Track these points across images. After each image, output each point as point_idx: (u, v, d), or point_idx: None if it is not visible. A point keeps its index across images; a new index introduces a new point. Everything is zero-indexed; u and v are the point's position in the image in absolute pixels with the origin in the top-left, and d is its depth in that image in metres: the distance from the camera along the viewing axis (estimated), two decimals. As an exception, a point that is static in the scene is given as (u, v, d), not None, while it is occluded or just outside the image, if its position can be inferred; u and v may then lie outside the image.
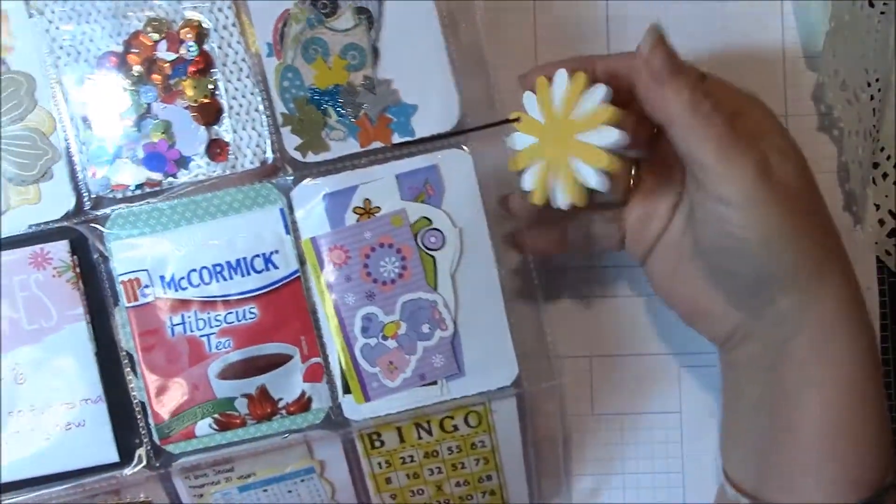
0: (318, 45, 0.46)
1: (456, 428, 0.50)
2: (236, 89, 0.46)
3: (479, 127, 0.48)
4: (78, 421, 0.48)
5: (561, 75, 0.43)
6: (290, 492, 0.50)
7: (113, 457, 0.48)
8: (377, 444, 0.50)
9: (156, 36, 0.45)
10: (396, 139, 0.48)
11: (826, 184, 0.53)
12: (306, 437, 0.50)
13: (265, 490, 0.50)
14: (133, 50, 0.46)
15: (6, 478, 0.48)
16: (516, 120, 0.46)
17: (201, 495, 0.50)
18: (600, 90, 0.43)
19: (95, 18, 0.46)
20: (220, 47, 0.46)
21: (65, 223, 0.47)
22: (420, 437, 0.50)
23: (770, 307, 0.44)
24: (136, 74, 0.46)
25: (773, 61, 0.55)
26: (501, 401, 0.50)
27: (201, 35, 0.46)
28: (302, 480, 0.50)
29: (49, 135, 0.46)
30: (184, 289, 0.47)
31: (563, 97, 0.43)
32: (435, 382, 0.49)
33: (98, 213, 0.47)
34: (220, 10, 0.46)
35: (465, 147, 0.48)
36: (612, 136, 0.42)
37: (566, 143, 0.43)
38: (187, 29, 0.46)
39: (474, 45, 0.49)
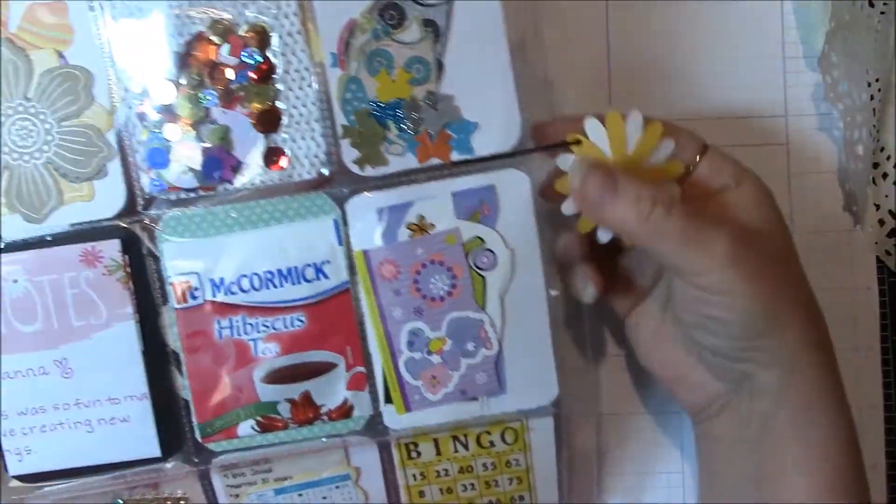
0: (383, 57, 0.45)
1: (492, 444, 0.51)
2: (297, 98, 0.45)
3: (539, 148, 0.48)
4: (122, 416, 0.49)
5: (636, 118, 0.44)
6: (324, 497, 0.52)
7: (155, 452, 0.49)
8: (413, 454, 0.51)
9: (219, 39, 0.44)
10: (455, 156, 0.47)
11: (826, 184, 0.55)
12: (345, 442, 0.51)
13: (300, 494, 0.51)
14: (195, 52, 0.45)
15: (48, 467, 0.49)
16: (576, 143, 0.46)
17: (237, 495, 0.51)
18: (671, 146, 0.45)
19: (157, 16, 0.44)
20: (283, 54, 0.45)
21: (117, 222, 0.47)
22: (456, 451, 0.51)
23: (749, 381, 0.45)
24: (196, 77, 0.44)
25: (773, 61, 0.55)
26: (539, 419, 0.51)
27: (265, 41, 0.45)
28: (337, 487, 0.51)
29: (105, 132, 0.45)
30: (233, 293, 0.47)
31: (638, 140, 0.44)
32: (476, 398, 0.49)
33: (151, 213, 0.47)
34: (285, 16, 0.45)
35: (522, 168, 0.47)
36: (672, 189, 0.44)
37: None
38: (251, 34, 0.44)
39: (540, 65, 0.48)
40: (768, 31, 0.55)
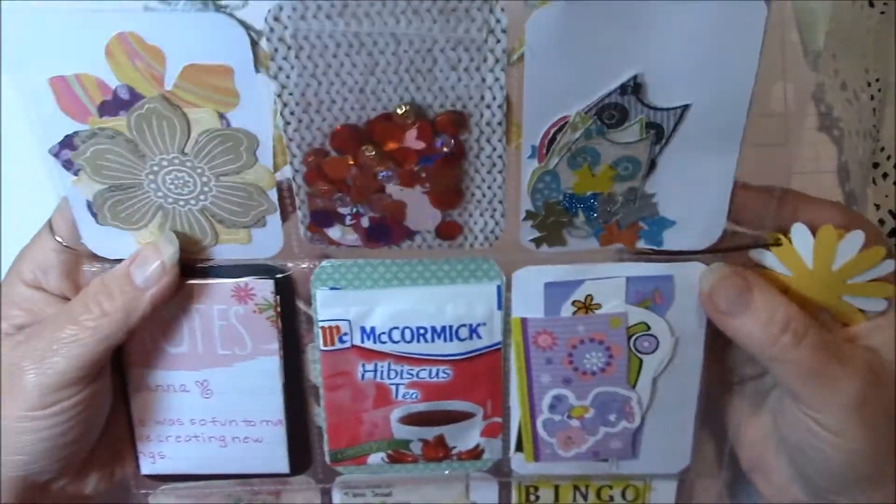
0: (589, 154, 0.40)
1: (611, 499, 0.53)
2: (483, 180, 0.41)
3: (734, 248, 0.44)
4: (256, 437, 0.50)
5: (858, 238, 0.41)
6: (438, 530, 0.55)
7: (284, 469, 0.50)
8: (532, 498, 0.53)
9: (406, 123, 0.38)
10: (641, 244, 0.43)
11: (826, 184, 0.54)
12: (467, 477, 0.52)
13: None
14: (378, 131, 0.39)
15: (178, 471, 0.50)
16: (776, 244, 0.43)
17: (354, 515, 0.53)
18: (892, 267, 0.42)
19: (339, 89, 0.37)
20: (477, 140, 0.40)
21: (272, 263, 0.45)
22: (574, 501, 0.52)
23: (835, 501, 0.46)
24: (375, 158, 0.38)
25: (773, 61, 0.50)
26: (663, 481, 0.52)
27: (460, 127, 0.38)
28: (452, 521, 0.53)
29: (267, 190, 0.41)
30: (383, 342, 0.47)
31: (851, 259, 0.42)
32: (606, 460, 0.50)
33: (307, 263, 0.44)
34: (487, 106, 0.39)
35: (707, 260, 0.44)
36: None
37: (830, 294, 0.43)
38: (444, 118, 0.38)
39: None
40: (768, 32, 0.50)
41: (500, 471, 0.52)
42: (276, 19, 0.37)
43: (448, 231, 0.43)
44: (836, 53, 0.52)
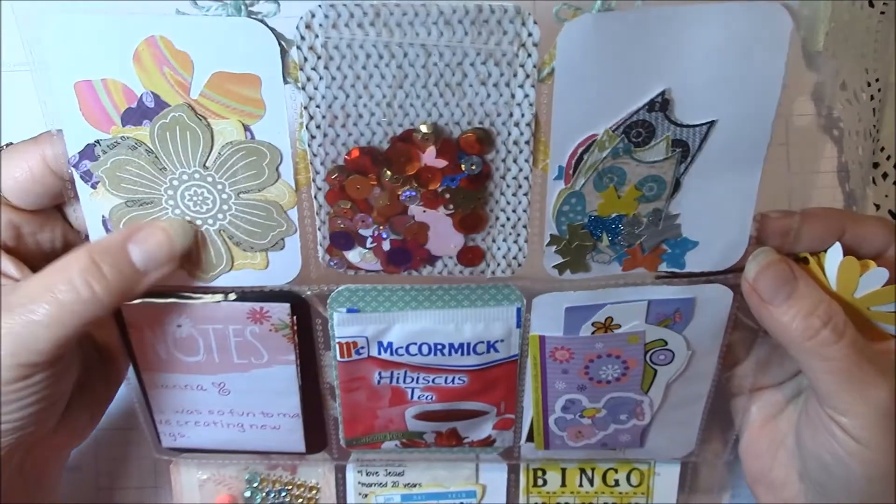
0: (615, 174, 0.36)
1: (617, 483, 0.50)
2: (508, 203, 0.37)
3: None
4: (273, 425, 0.47)
5: (882, 274, 0.39)
6: (447, 511, 0.52)
7: (300, 449, 0.48)
8: (540, 482, 0.50)
9: (429, 141, 0.35)
10: (663, 268, 0.40)
11: (826, 184, 0.52)
12: (477, 457, 0.49)
13: None
14: (399, 149, 0.35)
15: (198, 446, 0.47)
16: (804, 261, 0.40)
17: (366, 495, 0.50)
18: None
19: (366, 102, 0.34)
20: (503, 160, 0.36)
21: (289, 288, 0.40)
22: (581, 485, 0.50)
23: None
24: (397, 178, 0.35)
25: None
26: (666, 465, 0.49)
27: (486, 146, 0.35)
28: (461, 503, 0.50)
29: (288, 209, 0.37)
30: (399, 356, 0.43)
31: (873, 293, 0.39)
32: (614, 449, 0.48)
33: (325, 287, 0.41)
34: (516, 124, 0.35)
35: (729, 281, 0.41)
36: None
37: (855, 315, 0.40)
38: (470, 137, 0.35)
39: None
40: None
41: (510, 454, 0.49)
42: (308, 27, 0.33)
43: (470, 257, 0.39)
44: (836, 53, 0.48)
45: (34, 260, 0.40)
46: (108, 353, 0.45)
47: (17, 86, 0.47)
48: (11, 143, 0.39)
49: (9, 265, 0.38)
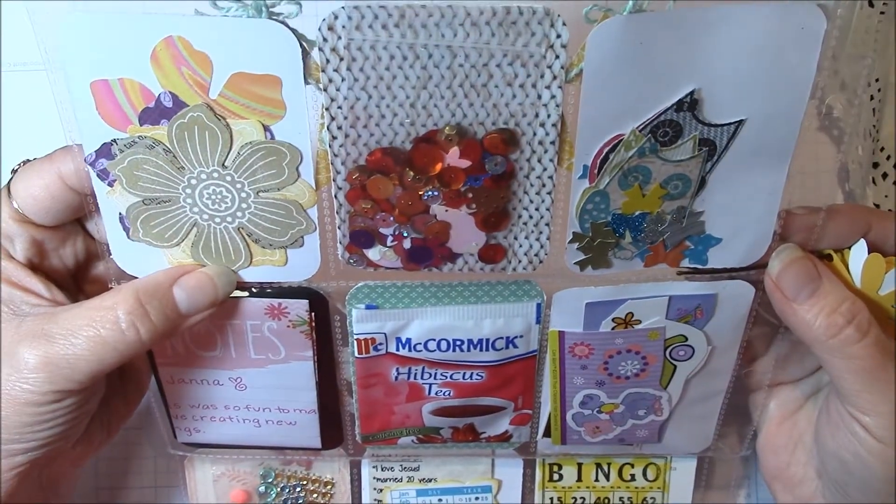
0: (641, 173, 0.36)
1: (633, 478, 0.50)
2: (531, 201, 0.37)
3: None
4: (290, 421, 0.47)
5: (877, 259, 0.39)
6: (462, 505, 0.52)
7: (316, 445, 0.48)
8: (556, 476, 0.50)
9: (452, 141, 0.34)
10: (685, 264, 0.39)
11: (826, 184, 0.52)
12: (493, 452, 0.49)
13: (440, 499, 0.51)
14: (422, 150, 0.35)
15: (213, 441, 0.47)
16: (828, 257, 0.40)
17: (381, 490, 0.50)
18: None
19: (389, 103, 0.33)
20: (528, 160, 0.35)
21: (307, 285, 0.40)
22: (597, 479, 0.50)
23: None
24: (419, 178, 0.35)
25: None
26: (683, 460, 0.49)
27: (511, 145, 0.34)
28: (476, 498, 0.51)
29: (307, 208, 0.36)
30: (418, 351, 0.43)
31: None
32: (631, 444, 0.48)
33: (343, 283, 0.40)
34: (541, 125, 0.34)
35: (752, 277, 0.40)
36: None
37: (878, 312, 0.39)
38: (495, 137, 0.34)
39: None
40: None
41: (526, 449, 0.49)
42: (331, 28, 0.32)
43: (491, 254, 0.38)
44: (836, 53, 0.47)
45: (59, 275, 0.41)
46: (131, 372, 0.45)
47: (18, 86, 0.47)
48: (29, 160, 0.39)
49: (37, 283, 0.39)
